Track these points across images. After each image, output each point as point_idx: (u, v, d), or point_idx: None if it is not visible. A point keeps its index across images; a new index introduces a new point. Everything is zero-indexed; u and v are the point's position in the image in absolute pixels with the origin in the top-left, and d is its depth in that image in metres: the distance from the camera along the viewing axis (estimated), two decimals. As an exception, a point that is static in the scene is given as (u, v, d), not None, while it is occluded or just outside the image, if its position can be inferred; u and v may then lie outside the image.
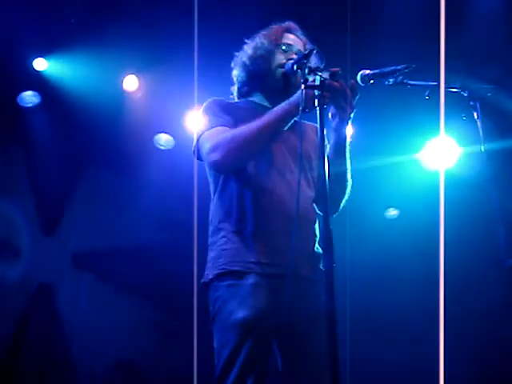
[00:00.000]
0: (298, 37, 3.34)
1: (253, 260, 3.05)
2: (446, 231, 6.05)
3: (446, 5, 5.61)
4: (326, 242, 2.69)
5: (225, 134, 3.07)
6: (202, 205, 5.43)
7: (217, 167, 3.12)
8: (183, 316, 5.65)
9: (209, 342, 3.11)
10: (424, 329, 6.16)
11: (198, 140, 3.17)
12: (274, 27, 3.36)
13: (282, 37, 3.30)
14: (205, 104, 3.26)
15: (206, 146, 3.10)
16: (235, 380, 2.99)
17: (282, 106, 3.00)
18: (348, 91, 2.93)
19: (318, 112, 2.77)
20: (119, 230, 6.09)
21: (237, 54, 3.37)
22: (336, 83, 2.87)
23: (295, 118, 2.98)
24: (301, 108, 2.85)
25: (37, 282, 6.11)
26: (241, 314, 3.01)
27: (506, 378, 5.88)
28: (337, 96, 2.91)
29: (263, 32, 3.35)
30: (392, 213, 6.57)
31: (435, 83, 2.94)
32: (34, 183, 6.01)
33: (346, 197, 3.23)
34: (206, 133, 3.13)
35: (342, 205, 3.25)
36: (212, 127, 3.13)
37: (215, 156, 3.06)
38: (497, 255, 2.88)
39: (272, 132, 3.03)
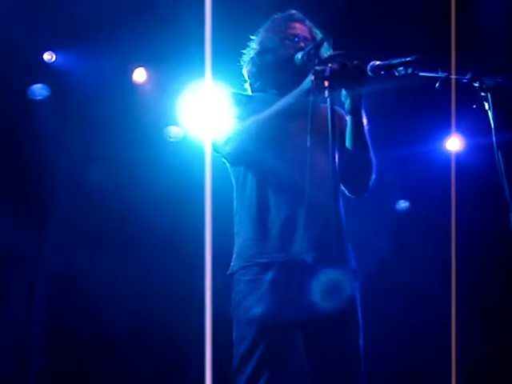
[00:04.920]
0: (303, 23, 3.33)
1: (276, 250, 3.07)
2: (457, 222, 6.04)
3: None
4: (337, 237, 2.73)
5: (237, 126, 3.10)
6: (213, 196, 5.45)
7: (230, 159, 3.19)
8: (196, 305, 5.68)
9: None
10: (436, 325, 6.16)
11: (216, 133, 3.22)
12: (277, 18, 3.37)
13: (286, 27, 3.31)
14: (221, 97, 3.28)
15: (220, 140, 3.16)
16: (251, 374, 3.04)
17: (290, 96, 3.01)
18: (355, 72, 2.92)
19: (328, 102, 2.78)
20: (129, 220, 6.09)
21: (244, 51, 3.38)
22: (342, 66, 2.88)
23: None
24: (311, 99, 2.86)
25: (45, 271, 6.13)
26: (258, 309, 3.05)
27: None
28: (344, 79, 2.90)
29: (267, 26, 3.36)
30: (403, 204, 6.56)
31: (445, 74, 2.92)
32: (43, 175, 6.01)
33: (374, 175, 3.24)
34: (221, 127, 3.18)
35: (370, 184, 3.26)
36: (228, 121, 3.17)
37: (228, 148, 3.12)
38: (509, 247, 2.86)
39: (281, 122, 3.05)
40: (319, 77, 2.84)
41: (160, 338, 6.08)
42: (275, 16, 3.39)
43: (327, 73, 2.83)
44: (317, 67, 2.88)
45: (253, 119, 3.07)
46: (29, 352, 6.02)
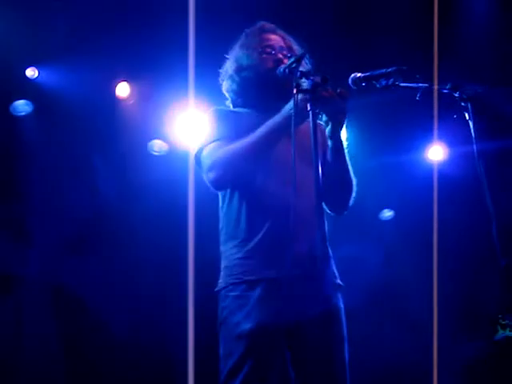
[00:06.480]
0: (276, 33, 3.34)
1: (265, 266, 3.08)
2: (439, 231, 6.07)
3: (438, 6, 5.63)
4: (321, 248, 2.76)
5: (222, 150, 3.08)
6: (197, 210, 5.45)
7: (215, 186, 3.15)
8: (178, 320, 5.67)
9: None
10: (417, 333, 6.19)
11: (199, 153, 3.19)
12: (250, 33, 3.35)
13: (260, 40, 3.29)
14: (205, 114, 3.27)
15: (205, 164, 3.14)
16: None
17: (274, 119, 3.01)
18: (337, 99, 2.94)
19: (310, 115, 2.80)
20: (113, 236, 6.08)
21: (221, 70, 3.38)
22: (325, 93, 2.89)
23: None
24: (293, 112, 2.87)
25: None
26: (247, 325, 3.05)
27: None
28: (327, 105, 2.92)
29: (241, 42, 3.34)
30: (387, 214, 6.58)
31: (426, 84, 2.94)
32: (27, 192, 5.99)
33: (354, 194, 3.27)
34: (205, 148, 3.15)
35: (350, 203, 3.29)
36: (211, 141, 3.14)
37: (212, 175, 3.10)
38: (492, 255, 2.89)
39: (266, 146, 3.06)
40: (301, 91, 2.85)
41: (144, 354, 6.08)
42: (246, 30, 3.38)
43: (309, 86, 2.85)
44: (299, 81, 2.90)
45: (239, 144, 3.04)
46: (21, 352, 6.00)
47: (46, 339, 6.03)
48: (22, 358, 5.96)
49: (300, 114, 2.86)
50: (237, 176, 3.09)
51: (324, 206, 3.24)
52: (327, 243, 3.14)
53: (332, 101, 2.94)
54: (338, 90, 2.95)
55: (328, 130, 3.11)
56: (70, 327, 6.05)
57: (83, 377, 6.01)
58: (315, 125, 2.80)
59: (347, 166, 3.22)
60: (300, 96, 2.85)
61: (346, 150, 3.19)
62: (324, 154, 3.20)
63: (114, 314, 5.95)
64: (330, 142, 3.16)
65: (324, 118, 3.08)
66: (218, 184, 3.13)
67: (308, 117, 2.81)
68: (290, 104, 2.94)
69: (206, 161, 3.12)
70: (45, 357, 6.00)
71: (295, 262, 3.00)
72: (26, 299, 6.05)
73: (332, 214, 3.31)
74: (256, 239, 3.10)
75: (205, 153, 3.15)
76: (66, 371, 6.05)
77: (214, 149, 3.11)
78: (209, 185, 3.16)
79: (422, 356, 6.17)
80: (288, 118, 2.92)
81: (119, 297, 5.98)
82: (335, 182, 3.18)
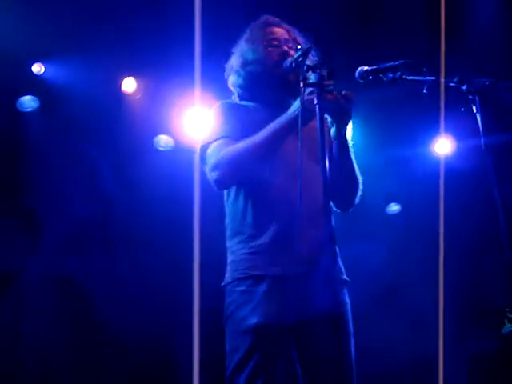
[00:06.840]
0: (280, 26, 3.32)
1: (271, 263, 3.07)
2: (445, 225, 6.07)
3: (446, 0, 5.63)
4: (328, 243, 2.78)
5: (226, 150, 3.06)
6: (202, 205, 5.45)
7: (218, 185, 3.13)
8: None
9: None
10: (423, 327, 6.18)
11: (204, 149, 3.17)
12: (254, 27, 3.33)
13: (265, 34, 3.27)
14: (212, 109, 3.25)
15: (209, 163, 3.12)
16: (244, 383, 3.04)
17: (281, 119, 3.00)
18: (342, 101, 2.93)
19: (317, 109, 2.78)
20: (118, 232, 6.08)
21: (226, 65, 3.36)
22: (329, 95, 2.87)
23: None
24: (299, 107, 2.86)
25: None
26: (253, 320, 3.05)
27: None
28: (331, 107, 2.91)
29: (245, 36, 3.32)
30: (393, 208, 6.58)
31: (433, 78, 2.93)
32: (33, 187, 6.00)
33: (360, 192, 3.26)
34: (210, 146, 3.13)
35: (356, 200, 3.29)
36: (217, 138, 3.12)
37: (216, 175, 3.08)
38: (499, 248, 2.88)
39: (272, 147, 3.04)
40: (308, 84, 2.84)
41: (148, 349, 6.08)
42: (251, 25, 3.36)
43: (315, 80, 2.84)
44: (305, 74, 2.88)
45: (244, 144, 3.02)
46: (26, 349, 6.01)
47: (49, 337, 6.04)
48: (27, 355, 5.97)
49: (307, 108, 2.85)
50: (241, 176, 3.08)
51: (331, 203, 3.24)
52: (334, 240, 3.14)
53: (337, 103, 2.93)
54: (343, 92, 2.94)
55: (333, 130, 3.10)
56: (75, 325, 6.06)
57: (90, 372, 6.02)
58: (322, 119, 2.78)
59: (353, 164, 3.21)
60: (307, 90, 2.84)
61: (351, 149, 3.19)
62: (330, 150, 3.18)
63: (118, 309, 5.95)
64: (335, 143, 3.15)
65: (329, 119, 3.07)
66: (222, 184, 3.12)
67: (315, 112, 2.79)
68: (296, 105, 2.93)
69: (211, 159, 3.10)
70: (49, 355, 6.01)
71: (302, 260, 3.00)
72: (31, 297, 6.06)
73: (338, 211, 3.30)
74: (262, 236, 3.10)
75: (209, 151, 3.13)
76: (71, 368, 6.06)
77: (218, 147, 3.09)
78: (212, 184, 3.14)
79: (428, 350, 6.17)
80: (295, 119, 2.91)
81: (125, 291, 5.99)
82: (341, 179, 3.17)
